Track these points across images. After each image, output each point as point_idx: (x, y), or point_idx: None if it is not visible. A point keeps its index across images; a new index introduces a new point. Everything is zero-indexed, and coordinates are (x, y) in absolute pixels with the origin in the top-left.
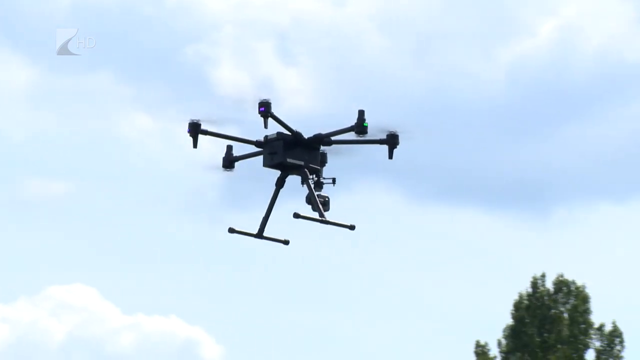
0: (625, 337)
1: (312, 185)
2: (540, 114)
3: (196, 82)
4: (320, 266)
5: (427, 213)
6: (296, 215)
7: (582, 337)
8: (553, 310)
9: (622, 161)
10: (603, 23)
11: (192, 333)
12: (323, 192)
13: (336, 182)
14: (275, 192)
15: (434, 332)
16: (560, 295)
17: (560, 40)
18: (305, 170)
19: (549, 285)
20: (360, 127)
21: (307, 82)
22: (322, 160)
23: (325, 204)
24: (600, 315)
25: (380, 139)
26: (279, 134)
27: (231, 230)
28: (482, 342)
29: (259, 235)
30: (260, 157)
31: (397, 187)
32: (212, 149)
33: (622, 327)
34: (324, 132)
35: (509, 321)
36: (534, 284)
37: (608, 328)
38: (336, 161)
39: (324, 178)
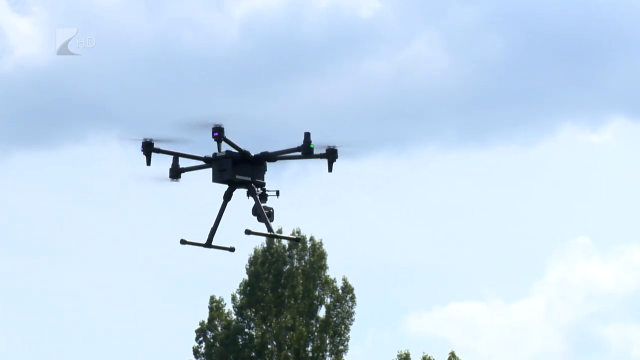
0: (356, 292)
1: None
2: (274, 68)
3: None
4: (43, 217)
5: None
6: (248, 232)
7: (316, 293)
8: (288, 266)
9: (354, 115)
10: None
11: None
12: (267, 204)
13: (279, 193)
14: (223, 205)
15: (171, 289)
16: (296, 251)
17: None
18: (252, 184)
19: (285, 241)
20: (307, 149)
21: (39, 31)
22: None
23: (270, 214)
24: (333, 271)
25: (320, 154)
26: (227, 152)
27: (183, 242)
28: (217, 298)
29: (208, 244)
30: (205, 169)
31: None
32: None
33: (353, 283)
34: (270, 150)
35: (245, 277)
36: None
37: (339, 284)
38: None
39: (268, 190)
